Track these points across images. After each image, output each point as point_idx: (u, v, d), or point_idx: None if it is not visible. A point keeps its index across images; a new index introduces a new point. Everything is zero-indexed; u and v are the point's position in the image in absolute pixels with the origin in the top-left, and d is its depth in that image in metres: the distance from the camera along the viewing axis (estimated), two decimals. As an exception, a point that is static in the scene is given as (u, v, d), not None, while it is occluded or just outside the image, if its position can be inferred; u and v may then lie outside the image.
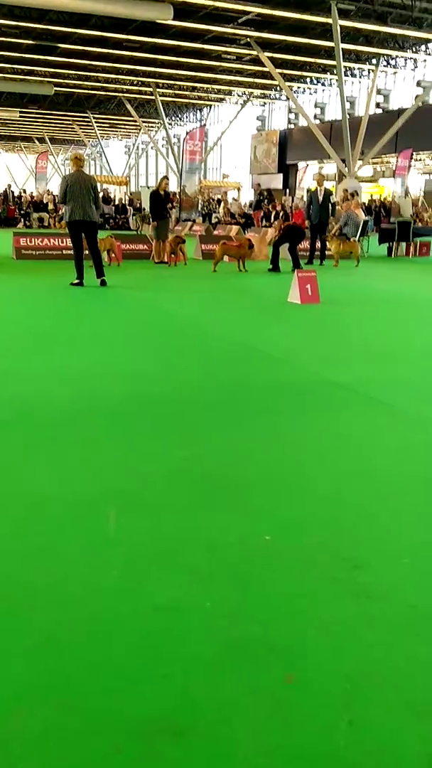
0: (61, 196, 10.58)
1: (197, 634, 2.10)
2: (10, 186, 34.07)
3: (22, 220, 29.70)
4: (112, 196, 34.55)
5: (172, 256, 14.63)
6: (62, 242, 15.07)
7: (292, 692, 1.86)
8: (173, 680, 1.89)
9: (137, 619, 2.16)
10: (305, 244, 16.16)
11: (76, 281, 10.56)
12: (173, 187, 35.11)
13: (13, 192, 34.62)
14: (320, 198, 14.94)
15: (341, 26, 23.38)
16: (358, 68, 32.55)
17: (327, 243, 15.53)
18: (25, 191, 39.23)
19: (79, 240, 10.63)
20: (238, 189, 39.92)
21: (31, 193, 37.35)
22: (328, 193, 15.38)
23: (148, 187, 17.07)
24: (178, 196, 31.19)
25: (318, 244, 15.46)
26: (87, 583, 2.36)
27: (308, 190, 21.00)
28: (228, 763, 1.62)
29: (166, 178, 15.43)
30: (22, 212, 30.44)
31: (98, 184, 11.23)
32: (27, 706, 1.78)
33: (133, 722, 1.73)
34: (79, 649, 2.01)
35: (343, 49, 25.02)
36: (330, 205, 15.42)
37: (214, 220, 28.68)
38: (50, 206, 29.92)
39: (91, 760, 1.61)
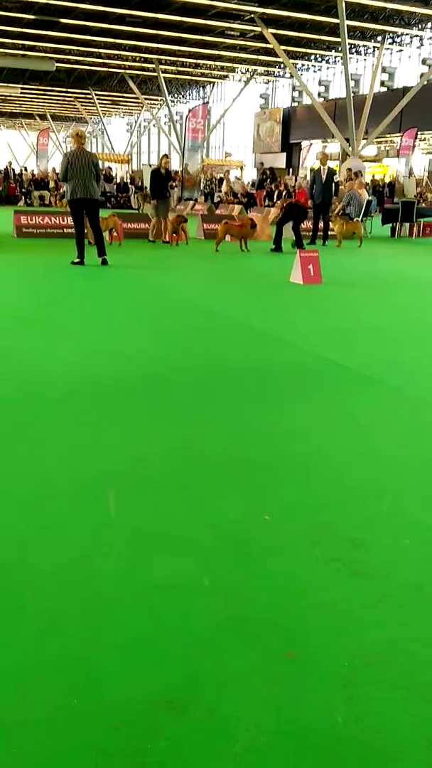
0: (62, 174, 10.46)
1: (198, 612, 2.10)
2: (11, 163, 33.81)
3: (23, 198, 29.51)
4: (114, 174, 34.26)
5: (174, 235, 14.54)
6: (63, 220, 14.97)
7: (292, 670, 1.87)
8: (174, 658, 1.90)
9: (138, 599, 2.16)
10: (308, 224, 16.07)
11: (77, 260, 10.52)
12: (175, 165, 34.87)
13: (14, 170, 34.37)
14: (323, 177, 14.81)
15: (346, 2, 23.06)
16: (363, 45, 32.16)
17: (330, 223, 15.43)
18: (26, 169, 38.96)
19: (80, 218, 10.55)
20: (241, 168, 39.59)
21: (33, 170, 37.08)
22: (331, 173, 15.25)
23: (150, 166, 16.94)
24: (180, 175, 30.97)
25: (321, 224, 15.36)
26: (88, 563, 2.36)
27: (311, 170, 20.84)
28: (228, 739, 1.63)
29: (166, 156, 15.31)
30: (23, 190, 30.25)
31: (99, 162, 11.12)
32: (31, 685, 1.79)
33: (134, 700, 1.74)
34: (81, 628, 2.02)
35: (348, 25, 24.69)
36: (333, 184, 15.30)
37: (216, 200, 28.47)
38: (51, 184, 29.72)
39: (92, 737, 1.62)
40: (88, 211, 10.53)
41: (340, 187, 19.62)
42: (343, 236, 15.37)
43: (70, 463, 3.18)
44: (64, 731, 1.64)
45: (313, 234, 15.39)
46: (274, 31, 27.28)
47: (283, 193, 26.51)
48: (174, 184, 20.70)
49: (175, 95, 45.10)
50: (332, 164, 20.23)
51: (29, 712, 1.69)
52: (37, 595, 2.18)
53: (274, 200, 26.51)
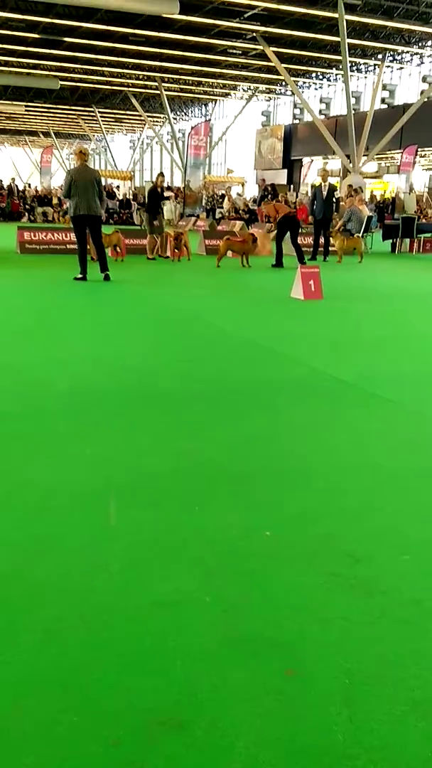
0: (65, 191, 10.53)
1: (198, 628, 2.10)
2: (14, 180, 33.98)
3: (27, 214, 29.67)
4: (118, 190, 34.48)
5: (176, 251, 14.62)
6: (66, 237, 15.05)
7: (292, 686, 1.86)
8: (174, 674, 1.89)
9: (138, 613, 2.16)
10: (309, 240, 16.14)
11: (80, 276, 10.56)
12: (177, 182, 34.99)
13: (17, 186, 34.57)
14: (324, 193, 14.90)
15: (347, 21, 23.28)
16: (364, 63, 32.43)
17: (330, 239, 15.50)
18: (30, 185, 39.20)
19: (83, 235, 10.63)
20: (243, 184, 39.82)
21: (36, 187, 37.30)
22: (332, 189, 15.35)
23: (152, 182, 17.12)
24: (182, 191, 31.13)
25: (321, 240, 15.43)
26: (88, 576, 2.36)
27: (312, 186, 20.93)
28: (228, 756, 1.62)
29: (162, 174, 15.41)
30: (26, 206, 30.41)
31: (102, 179, 11.21)
32: (28, 698, 1.78)
33: (133, 715, 1.73)
34: (80, 642, 2.02)
35: (349, 44, 24.92)
36: (334, 200, 15.38)
37: (218, 216, 28.61)
38: (54, 200, 29.87)
39: (90, 752, 1.61)
40: (91, 227, 10.60)
41: (341, 203, 19.71)
42: (344, 252, 15.44)
43: (71, 475, 3.18)
44: (60, 745, 1.63)
45: (314, 250, 15.45)
46: (275, 49, 27.55)
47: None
48: (171, 199, 20.66)
49: (178, 113, 45.47)
50: (333, 180, 20.34)
51: (25, 724, 1.68)
52: (35, 606, 2.17)
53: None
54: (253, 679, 1.88)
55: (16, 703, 1.76)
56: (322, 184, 15.17)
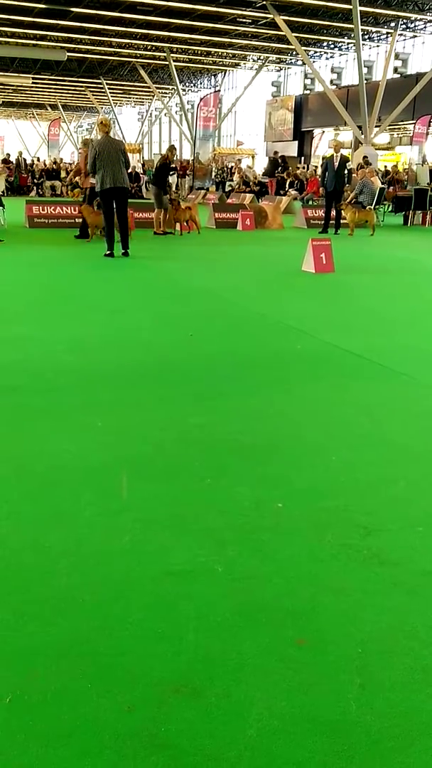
0: (91, 165, 10.06)
1: (210, 597, 2.11)
2: (21, 153, 33.75)
3: (35, 188, 29.53)
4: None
5: (185, 224, 14.51)
6: (74, 211, 14.95)
7: (304, 655, 1.87)
8: (186, 642, 1.90)
9: (150, 583, 2.17)
10: (319, 213, 15.99)
11: (108, 252, 10.25)
12: (186, 154, 34.62)
13: (25, 160, 34.35)
14: (336, 165, 14.70)
15: (359, -13, 22.80)
16: (376, 32, 31.79)
17: (342, 211, 15.33)
18: (38, 159, 38.94)
19: (111, 209, 10.19)
20: (253, 156, 39.36)
21: (44, 161, 37.04)
22: (344, 160, 15.13)
23: (162, 155, 16.80)
24: (191, 164, 30.83)
25: (333, 213, 15.26)
26: (100, 547, 2.37)
27: (323, 157, 20.64)
28: (241, 723, 1.63)
29: (172, 147, 15.09)
30: (34, 180, 30.25)
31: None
32: (42, 666, 1.80)
33: (146, 682, 1.75)
34: (93, 611, 2.03)
35: (361, 11, 24.41)
36: (346, 172, 15.17)
37: (227, 188, 28.34)
38: (63, 174, 29.69)
39: (104, 718, 1.63)
40: (118, 199, 10.16)
41: (353, 175, 19.46)
42: (356, 224, 15.26)
43: (82, 448, 3.19)
44: (74, 711, 1.65)
45: (324, 222, 15.29)
46: (286, 17, 27.02)
47: (295, 183, 26.36)
48: (174, 172, 20.33)
49: (187, 84, 44.86)
50: (345, 152, 20.08)
51: (40, 691, 1.70)
52: (49, 576, 2.19)
53: (286, 189, 26.36)
54: (265, 647, 1.89)
55: (31, 671, 1.78)
56: (334, 155, 14.95)
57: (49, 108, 54.49)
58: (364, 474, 3.02)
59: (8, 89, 45.16)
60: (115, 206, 10.24)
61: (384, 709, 1.68)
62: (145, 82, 40.30)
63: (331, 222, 15.25)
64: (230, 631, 1.96)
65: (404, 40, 33.26)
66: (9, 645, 1.88)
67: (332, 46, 35.45)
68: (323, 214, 15.63)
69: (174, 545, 2.39)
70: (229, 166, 31.97)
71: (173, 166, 15.25)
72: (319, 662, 1.84)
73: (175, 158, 14.84)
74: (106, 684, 1.74)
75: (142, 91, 46.95)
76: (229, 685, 1.75)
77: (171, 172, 14.82)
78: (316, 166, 30.63)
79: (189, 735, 1.59)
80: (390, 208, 19.94)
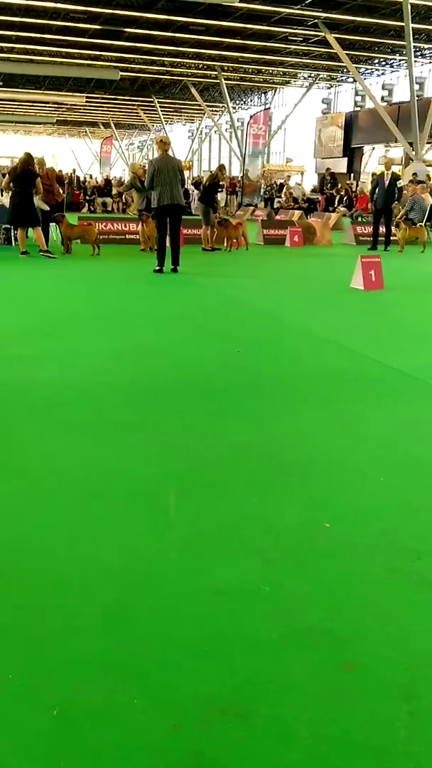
0: (149, 181, 10.26)
1: (256, 617, 2.10)
2: (74, 171, 34.47)
3: (87, 204, 30.08)
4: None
5: (234, 241, 14.59)
6: (125, 227, 15.21)
7: (351, 680, 1.84)
8: (233, 662, 1.90)
9: (197, 601, 2.17)
10: (369, 229, 15.88)
11: (157, 268, 10.40)
12: (236, 171, 34.84)
13: (78, 177, 35.06)
14: (386, 182, 14.61)
15: (412, 4, 22.70)
16: (428, 48, 31.58)
17: (392, 228, 15.20)
18: (91, 176, 39.69)
19: (164, 225, 10.36)
20: (302, 173, 39.38)
21: (96, 178, 37.73)
22: (395, 178, 15.03)
23: (211, 172, 16.93)
24: (240, 181, 30.98)
25: (382, 229, 15.15)
26: (147, 562, 2.39)
27: (373, 174, 20.51)
28: (287, 747, 1.61)
29: (222, 167, 15.23)
30: (86, 197, 30.82)
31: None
32: (88, 680, 1.82)
33: (193, 701, 1.75)
34: (140, 627, 2.04)
35: (413, 28, 24.30)
36: (396, 189, 15.06)
37: (276, 205, 28.38)
38: (114, 191, 30.17)
39: (150, 736, 1.63)
40: (172, 217, 10.33)
41: (404, 191, 19.29)
42: (406, 241, 15.12)
43: (127, 463, 3.22)
44: (120, 727, 1.65)
45: (373, 239, 15.19)
46: (337, 35, 27.06)
47: (344, 198, 26.24)
48: (222, 189, 20.32)
49: (237, 101, 45.22)
50: (396, 168, 19.94)
51: (85, 706, 1.72)
52: (96, 590, 2.21)
53: (335, 205, 26.27)
54: (311, 670, 1.87)
55: (77, 686, 1.80)
56: (385, 172, 14.87)
57: (101, 126, 55.58)
58: (412, 495, 2.98)
59: (62, 107, 46.25)
60: (168, 223, 10.38)
61: (433, 739, 1.65)
62: (196, 100, 40.79)
63: (381, 239, 15.14)
64: (276, 652, 1.94)
65: (457, 56, 32.93)
66: (57, 658, 1.90)
67: (383, 63, 35.35)
68: (371, 231, 15.53)
69: (221, 564, 2.39)
70: (278, 183, 32.05)
71: (222, 184, 15.37)
72: (366, 687, 1.82)
73: (224, 177, 14.96)
74: (151, 701, 1.74)
75: (192, 108, 47.53)
76: (275, 708, 1.73)
77: (219, 190, 14.96)
78: (365, 182, 30.46)
79: (234, 757, 1.58)
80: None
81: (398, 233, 15.06)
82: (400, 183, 16.01)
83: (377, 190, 14.80)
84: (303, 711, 1.72)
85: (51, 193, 12.98)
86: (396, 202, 15.45)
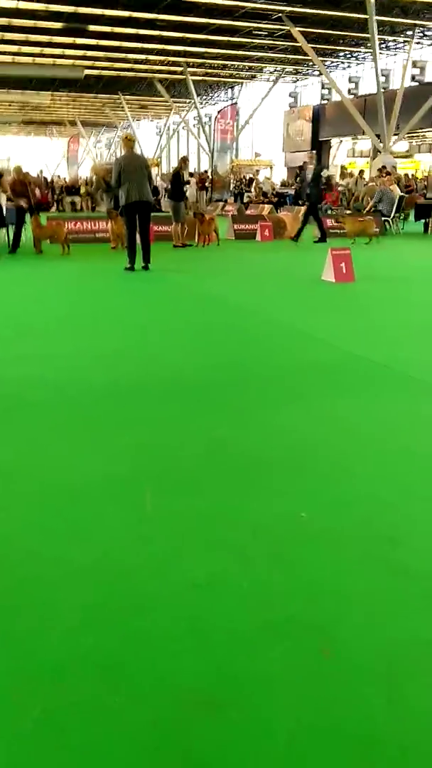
0: (115, 179, 10.25)
1: (234, 610, 2.10)
2: (42, 171, 34.12)
3: (56, 204, 29.83)
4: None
5: (206, 237, 14.58)
6: (95, 226, 15.13)
7: (329, 669, 1.85)
8: (211, 655, 1.90)
9: (174, 596, 2.17)
10: (337, 223, 15.96)
11: (128, 266, 10.37)
12: (204, 166, 34.81)
13: (45, 177, 34.74)
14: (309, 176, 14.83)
15: (375, -3, 22.85)
16: (393, 40, 31.80)
17: (340, 221, 15.42)
18: (59, 176, 39.36)
19: (134, 223, 10.35)
20: (271, 167, 39.45)
21: (64, 177, 37.43)
22: (317, 172, 15.26)
23: (175, 168, 16.78)
24: (209, 176, 30.95)
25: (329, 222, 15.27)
26: (125, 560, 2.38)
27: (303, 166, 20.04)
28: (266, 737, 1.62)
29: (185, 158, 15.18)
30: (55, 197, 30.57)
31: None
32: (68, 679, 1.81)
33: (171, 696, 1.74)
34: (118, 624, 2.03)
35: (377, 20, 24.45)
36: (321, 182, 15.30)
37: (246, 200, 28.40)
38: (82, 190, 29.96)
39: (129, 731, 1.63)
40: (141, 214, 10.32)
41: (372, 183, 19.41)
42: (356, 234, 14.94)
43: (106, 463, 3.21)
44: (99, 724, 1.65)
45: (321, 231, 15.08)
46: (302, 29, 27.13)
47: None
48: (190, 184, 20.30)
49: (204, 97, 45.16)
50: (362, 161, 20.07)
51: (65, 705, 1.71)
52: (73, 589, 2.20)
53: (304, 199, 26.35)
54: (290, 661, 1.88)
55: (56, 684, 1.79)
56: (308, 167, 15.06)
57: (68, 124, 55.16)
58: (389, 485, 3.00)
59: (27, 107, 45.80)
60: (138, 220, 10.36)
61: (412, 723, 1.66)
62: (163, 97, 40.66)
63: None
64: (254, 644, 1.95)
65: (421, 48, 33.21)
66: (37, 657, 1.89)
67: (349, 56, 35.52)
68: (335, 224, 15.69)
69: (197, 558, 2.39)
70: (248, 178, 32.07)
71: (188, 180, 15.34)
72: (344, 675, 1.83)
73: (187, 169, 14.90)
74: (131, 697, 1.74)
75: (159, 105, 47.38)
76: (253, 700, 1.74)
77: (186, 183, 14.92)
78: (333, 175, 30.60)
79: (216, 749, 1.58)
80: (402, 217, 19.85)
81: (346, 226, 15.06)
82: (326, 173, 16.11)
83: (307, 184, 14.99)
84: (281, 701, 1.73)
85: (26, 196, 13.01)
86: (366, 195, 15.54)
